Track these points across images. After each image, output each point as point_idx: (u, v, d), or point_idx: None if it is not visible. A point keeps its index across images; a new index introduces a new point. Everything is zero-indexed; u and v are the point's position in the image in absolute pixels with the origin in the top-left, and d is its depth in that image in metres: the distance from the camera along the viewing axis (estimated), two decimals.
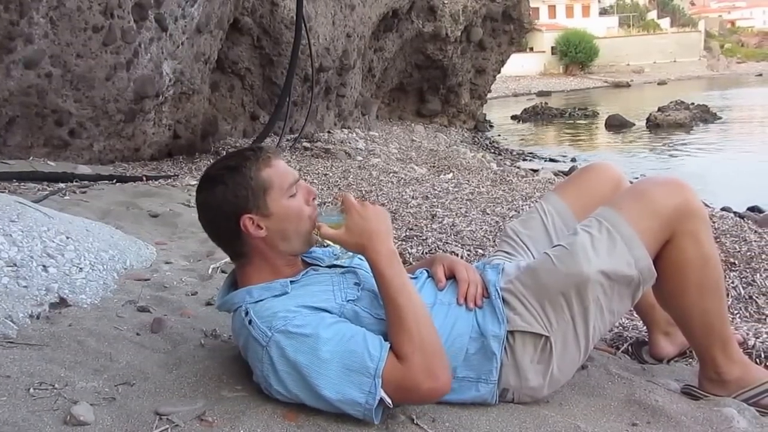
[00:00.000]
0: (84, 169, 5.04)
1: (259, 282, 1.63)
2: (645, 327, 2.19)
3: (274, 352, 1.48)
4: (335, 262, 1.72)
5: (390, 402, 1.45)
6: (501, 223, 3.76)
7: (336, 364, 1.45)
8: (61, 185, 4.40)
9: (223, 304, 1.69)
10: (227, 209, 1.60)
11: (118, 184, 4.77)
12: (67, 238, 2.51)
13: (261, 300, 1.58)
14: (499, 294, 1.69)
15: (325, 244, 1.71)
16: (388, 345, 1.49)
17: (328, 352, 1.46)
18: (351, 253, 1.67)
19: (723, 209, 6.38)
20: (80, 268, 2.36)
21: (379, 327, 1.56)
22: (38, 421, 1.42)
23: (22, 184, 4.35)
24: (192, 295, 2.42)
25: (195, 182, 5.10)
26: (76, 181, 4.58)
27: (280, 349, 1.48)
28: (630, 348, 2.24)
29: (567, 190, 2.05)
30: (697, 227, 1.68)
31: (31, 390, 1.54)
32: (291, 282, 1.61)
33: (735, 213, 6.08)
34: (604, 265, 1.62)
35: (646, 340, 2.18)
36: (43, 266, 2.25)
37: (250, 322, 1.54)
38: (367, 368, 1.45)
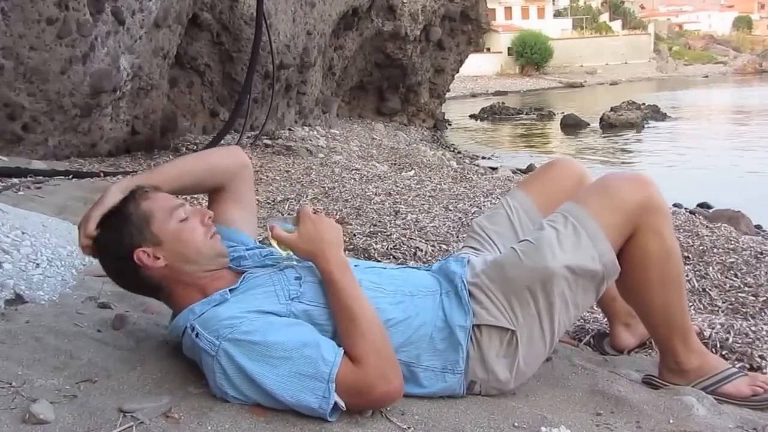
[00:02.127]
0: (38, 165, 4.91)
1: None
2: (606, 319, 2.23)
3: (224, 361, 1.47)
4: (270, 263, 1.70)
5: (343, 405, 1.45)
6: (464, 219, 3.78)
7: (288, 369, 1.44)
8: (15, 180, 4.29)
9: (173, 331, 1.66)
10: (118, 250, 1.60)
11: (74, 179, 4.66)
12: (23, 233, 2.45)
13: (204, 313, 1.56)
14: (465, 285, 1.69)
15: (271, 244, 1.69)
16: (342, 350, 1.48)
17: (279, 359, 1.45)
18: (296, 261, 1.67)
19: (675, 205, 6.56)
20: (37, 264, 2.31)
21: (329, 315, 1.56)
22: None
23: None
24: None
25: None
26: (31, 177, 4.47)
27: (230, 358, 1.46)
28: (592, 340, 2.28)
29: (532, 185, 2.07)
30: (660, 222, 1.71)
31: None
32: (230, 291, 1.60)
33: (686, 209, 6.24)
34: (569, 259, 1.64)
35: (607, 332, 2.22)
36: None
37: (197, 335, 1.52)
38: (321, 373, 1.44)
